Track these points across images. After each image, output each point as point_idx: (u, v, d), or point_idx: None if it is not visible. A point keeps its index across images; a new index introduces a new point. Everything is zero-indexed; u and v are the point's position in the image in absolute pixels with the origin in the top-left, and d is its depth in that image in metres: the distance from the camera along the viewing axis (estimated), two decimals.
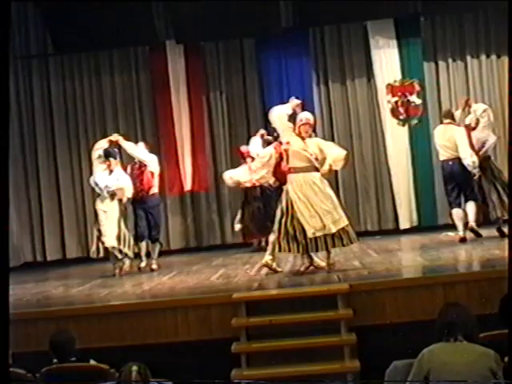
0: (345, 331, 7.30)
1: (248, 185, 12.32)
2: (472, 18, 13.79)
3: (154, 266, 11.02)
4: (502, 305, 5.21)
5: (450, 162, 10.60)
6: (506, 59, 13.69)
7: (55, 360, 5.88)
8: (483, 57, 13.85)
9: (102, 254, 10.63)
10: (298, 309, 7.46)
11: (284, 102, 13.61)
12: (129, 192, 10.75)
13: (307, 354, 7.14)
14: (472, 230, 10.53)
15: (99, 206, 10.66)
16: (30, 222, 14.14)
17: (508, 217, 9.79)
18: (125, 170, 11.04)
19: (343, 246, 8.81)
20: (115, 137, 11.05)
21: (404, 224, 13.59)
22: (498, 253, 9.03)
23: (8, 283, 4.62)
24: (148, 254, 11.20)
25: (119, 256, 10.55)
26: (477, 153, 10.52)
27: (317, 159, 8.74)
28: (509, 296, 4.48)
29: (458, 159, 10.47)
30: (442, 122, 11.17)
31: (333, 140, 13.88)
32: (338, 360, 7.11)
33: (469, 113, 11.00)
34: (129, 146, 11.14)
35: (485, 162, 10.66)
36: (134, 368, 5.00)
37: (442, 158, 10.86)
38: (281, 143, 9.08)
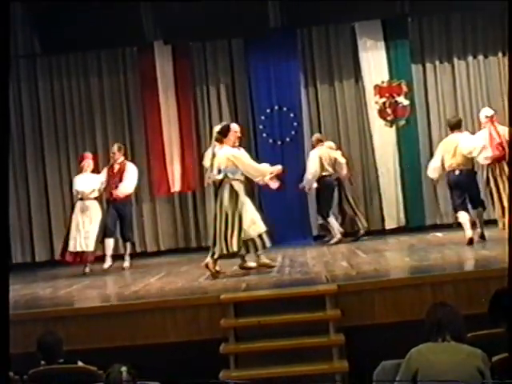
0: (333, 332, 7.30)
1: None
2: (459, 19, 13.84)
3: (126, 264, 11.67)
4: (492, 305, 5.22)
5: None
6: (492, 59, 13.77)
7: (43, 362, 5.86)
8: (470, 58, 13.90)
9: None
10: (287, 309, 7.45)
11: (272, 102, 13.81)
12: None
13: (296, 355, 7.13)
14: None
15: None
16: (18, 223, 14.08)
17: (508, 215, 9.87)
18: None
19: None
20: None
21: (392, 224, 13.63)
22: (487, 253, 9.07)
23: (8, 285, 4.61)
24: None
25: None
26: None
27: None
28: (509, 294, 4.48)
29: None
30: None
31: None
32: (326, 360, 7.11)
33: None
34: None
35: None
36: (124, 368, 4.98)
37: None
38: None
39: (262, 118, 13.81)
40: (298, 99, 13.82)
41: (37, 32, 13.67)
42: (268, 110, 13.82)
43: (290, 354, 7.15)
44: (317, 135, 13.19)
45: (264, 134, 13.78)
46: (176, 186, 13.73)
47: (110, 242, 11.57)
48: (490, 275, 7.23)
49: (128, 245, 11.88)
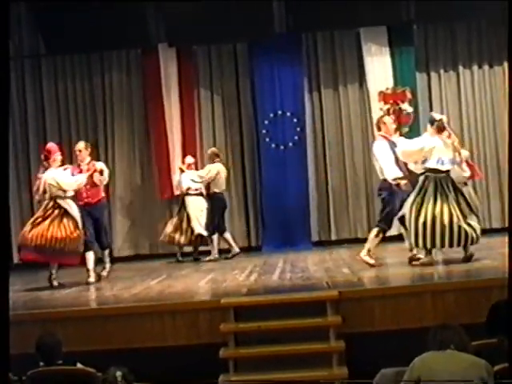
0: (333, 338, 7.28)
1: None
2: (464, 28, 13.82)
3: (104, 274, 10.69)
4: (491, 314, 5.20)
5: None
6: (497, 69, 13.76)
7: (41, 363, 5.84)
8: (475, 67, 13.88)
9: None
10: (287, 315, 7.43)
11: (276, 107, 13.79)
12: None
13: (295, 361, 7.11)
14: None
15: None
16: (21, 225, 14.01)
17: (508, 219, 9.88)
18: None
19: None
20: None
21: (393, 231, 13.54)
22: (487, 262, 9.04)
23: (8, 286, 4.60)
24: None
25: None
26: None
27: None
28: (509, 301, 4.47)
29: None
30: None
31: (323, 146, 13.95)
32: (326, 367, 7.08)
33: None
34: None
35: None
36: (119, 373, 4.97)
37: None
38: None
39: (266, 122, 13.80)
40: (301, 104, 13.82)
41: (41, 33, 13.65)
42: (271, 115, 13.82)
43: (290, 359, 7.13)
44: (213, 149, 12.97)
45: (267, 139, 13.78)
46: (176, 190, 13.66)
47: (90, 255, 10.16)
48: (490, 285, 7.21)
49: (107, 252, 10.82)
